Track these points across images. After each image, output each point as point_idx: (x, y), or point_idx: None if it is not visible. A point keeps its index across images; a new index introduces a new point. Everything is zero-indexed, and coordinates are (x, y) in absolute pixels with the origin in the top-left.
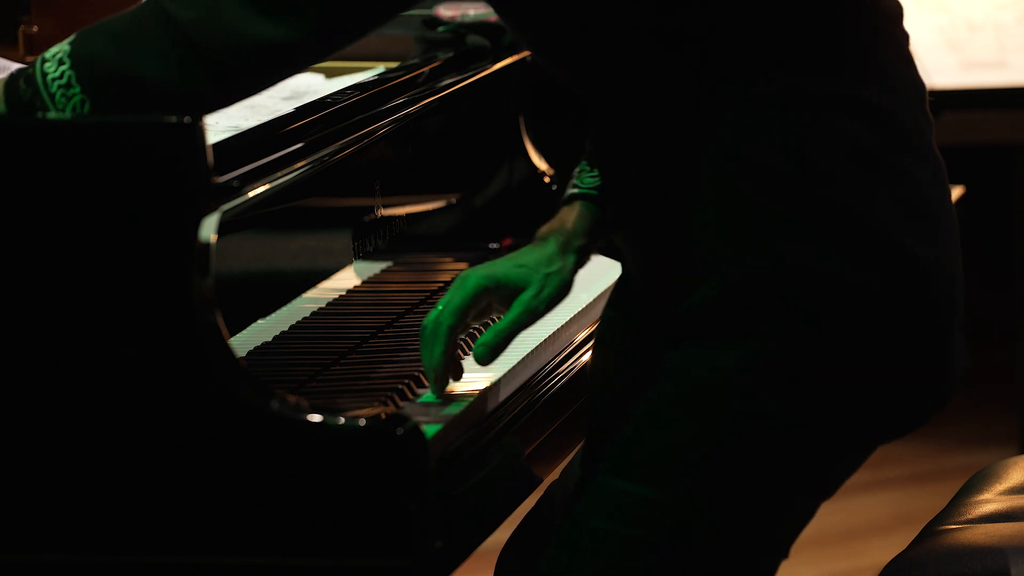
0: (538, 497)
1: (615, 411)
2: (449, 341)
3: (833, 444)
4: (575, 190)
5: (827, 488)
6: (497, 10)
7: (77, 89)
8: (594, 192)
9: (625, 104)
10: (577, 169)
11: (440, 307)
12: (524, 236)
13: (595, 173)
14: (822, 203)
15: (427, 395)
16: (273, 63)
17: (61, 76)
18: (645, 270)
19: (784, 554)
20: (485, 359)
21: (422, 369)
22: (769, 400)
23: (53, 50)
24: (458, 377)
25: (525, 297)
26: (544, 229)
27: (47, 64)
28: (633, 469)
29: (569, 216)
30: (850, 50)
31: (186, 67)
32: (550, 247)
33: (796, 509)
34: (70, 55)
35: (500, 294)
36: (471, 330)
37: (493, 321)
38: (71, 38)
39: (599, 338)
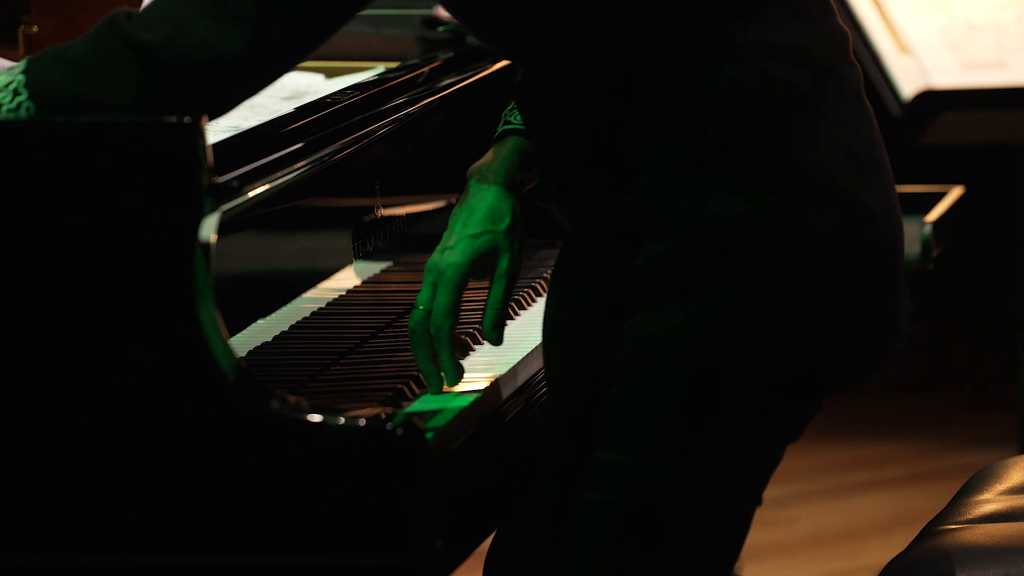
0: None
1: (579, 385)
2: (453, 342)
3: (789, 393)
4: (508, 126)
5: (790, 434)
6: None
7: None
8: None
9: (553, 66)
10: (509, 108)
11: (422, 306)
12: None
13: None
14: (760, 153)
15: (427, 395)
16: (246, 73)
17: (18, 108)
18: (588, 236)
19: (756, 501)
20: (499, 339)
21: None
22: (721, 354)
23: (3, 79)
24: (461, 375)
25: (503, 268)
26: (478, 166)
27: (0, 94)
28: (600, 436)
29: (502, 152)
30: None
31: (153, 88)
32: (492, 193)
33: (761, 456)
34: (26, 85)
35: (477, 271)
36: (472, 330)
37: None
38: (21, 66)
39: (551, 314)
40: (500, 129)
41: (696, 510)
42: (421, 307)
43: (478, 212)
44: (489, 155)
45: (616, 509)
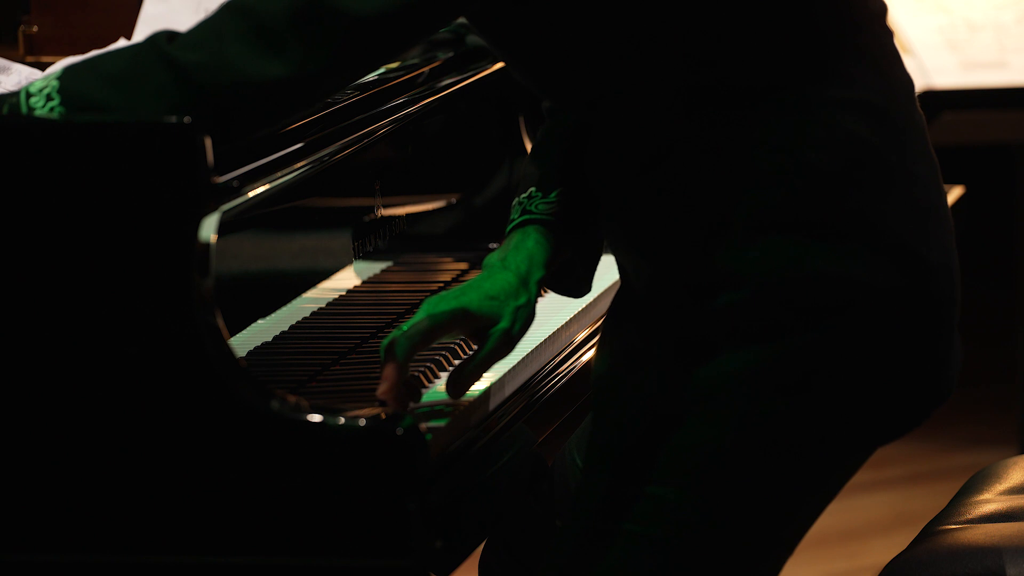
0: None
1: (624, 425)
2: (406, 360)
3: (841, 443)
4: (528, 216)
5: (835, 483)
6: (481, 34)
7: None
8: (550, 218)
9: (633, 122)
10: (524, 195)
11: (405, 327)
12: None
13: (551, 198)
14: (838, 210)
15: (427, 395)
16: (279, 100)
17: (51, 112)
18: (653, 286)
19: (789, 552)
20: (457, 395)
21: (422, 369)
22: (778, 403)
23: (38, 84)
24: (413, 396)
25: (499, 331)
26: (497, 257)
27: (33, 99)
28: (654, 471)
29: (525, 246)
30: (848, 53)
31: (186, 108)
32: (512, 279)
33: (802, 508)
34: (59, 91)
35: (471, 326)
36: (454, 344)
37: (462, 346)
38: (57, 73)
39: (604, 355)
40: (521, 218)
41: (726, 550)
42: (405, 327)
43: (502, 283)
44: (512, 249)
45: (653, 542)
